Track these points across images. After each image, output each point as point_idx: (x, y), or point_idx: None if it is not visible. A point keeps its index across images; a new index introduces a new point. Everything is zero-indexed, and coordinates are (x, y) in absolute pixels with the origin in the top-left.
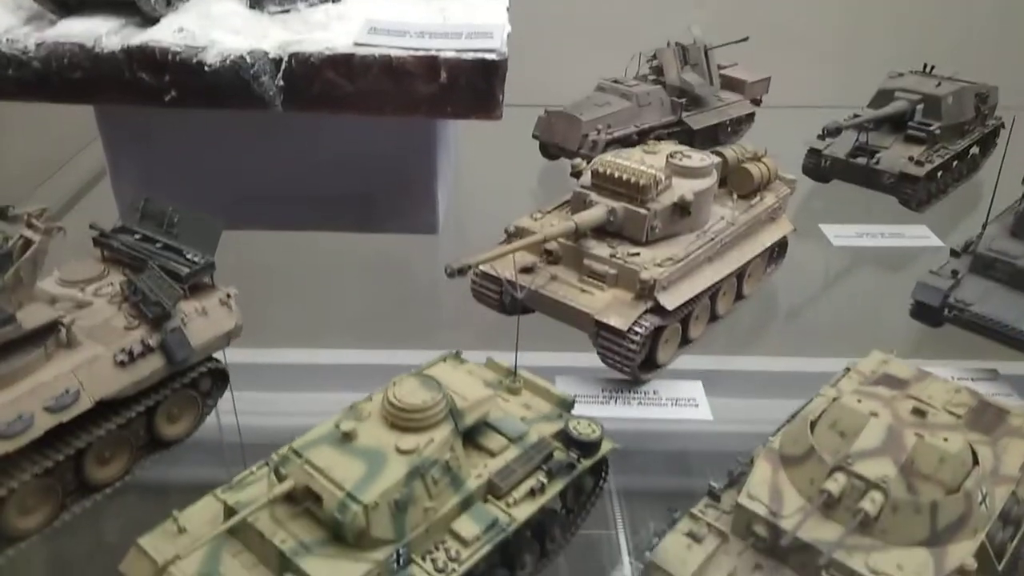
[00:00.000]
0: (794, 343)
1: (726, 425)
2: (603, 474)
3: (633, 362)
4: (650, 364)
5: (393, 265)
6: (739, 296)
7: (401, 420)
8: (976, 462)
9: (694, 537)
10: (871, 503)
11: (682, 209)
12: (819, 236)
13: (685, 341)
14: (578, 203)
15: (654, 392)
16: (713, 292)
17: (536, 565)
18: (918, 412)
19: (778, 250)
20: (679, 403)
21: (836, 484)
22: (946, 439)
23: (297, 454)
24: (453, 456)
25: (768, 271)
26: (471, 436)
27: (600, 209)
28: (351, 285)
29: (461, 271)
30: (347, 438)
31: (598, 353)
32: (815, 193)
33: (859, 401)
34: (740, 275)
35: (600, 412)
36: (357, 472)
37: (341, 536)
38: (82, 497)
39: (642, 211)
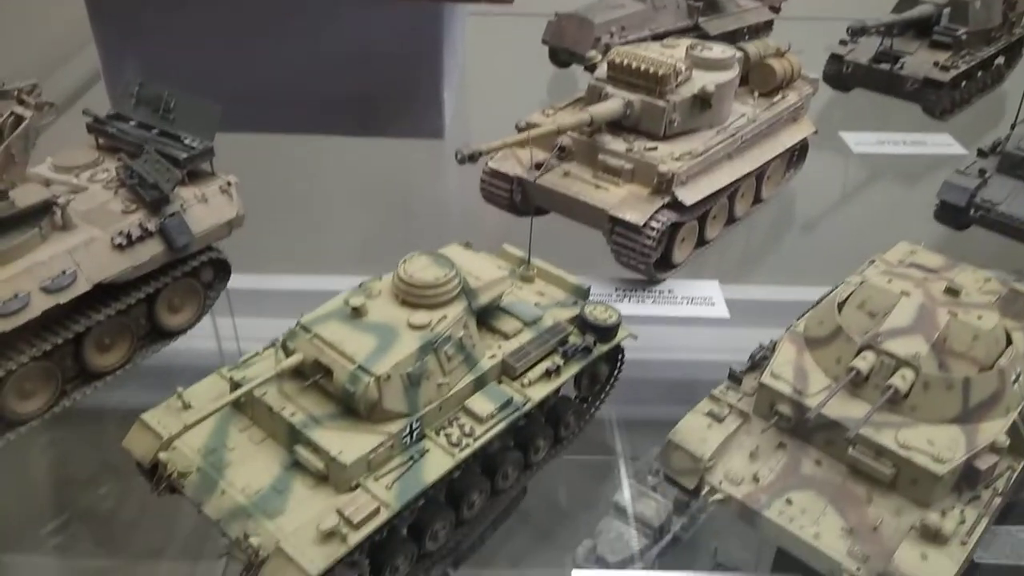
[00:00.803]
0: (812, 250)
1: (743, 324)
2: (619, 363)
3: (648, 259)
4: (665, 264)
5: (398, 171)
6: (757, 199)
7: (412, 296)
8: (1010, 342)
9: (715, 417)
10: (901, 380)
11: (702, 101)
12: (839, 144)
13: (702, 242)
14: (593, 96)
15: (669, 291)
16: (732, 192)
17: (549, 451)
18: (951, 292)
19: (798, 153)
20: (695, 302)
21: (865, 362)
22: (980, 317)
23: (306, 329)
24: (467, 334)
25: (788, 175)
26: (484, 319)
27: (616, 101)
28: (354, 193)
29: (472, 157)
30: (357, 313)
31: (612, 251)
32: (836, 101)
33: (889, 281)
34: (759, 176)
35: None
36: (368, 345)
37: (353, 409)
38: (83, 384)
39: (660, 103)
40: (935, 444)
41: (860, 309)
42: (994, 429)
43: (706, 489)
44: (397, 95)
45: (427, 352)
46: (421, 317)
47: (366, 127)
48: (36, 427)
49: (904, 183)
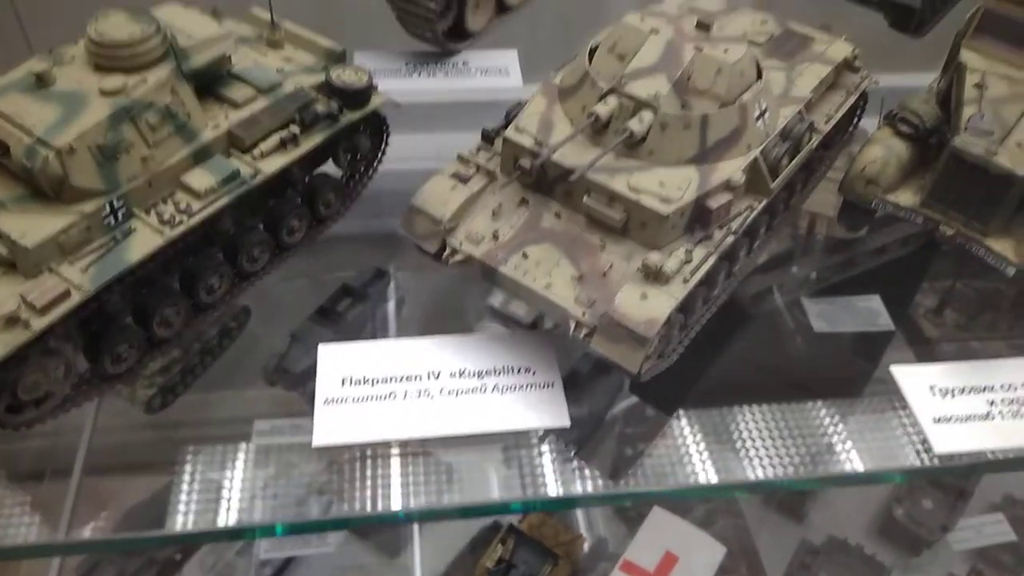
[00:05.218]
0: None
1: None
2: (384, 136)
3: (434, 25)
4: (461, 33)
5: None
6: None
7: (105, 59)
8: (759, 77)
9: (460, 178)
10: (638, 122)
11: None
12: None
13: (503, 9)
14: None
15: (463, 63)
16: None
17: (308, 231)
18: (702, 26)
19: None
20: (488, 72)
21: (606, 107)
22: (726, 50)
23: None
24: (176, 100)
25: None
26: (212, 88)
27: None
28: None
29: None
30: (42, 82)
31: (397, 18)
32: None
33: (642, 20)
34: None
35: (401, 85)
36: (50, 117)
37: (41, 190)
38: None
39: None
40: (666, 185)
41: (611, 52)
42: (731, 167)
43: (447, 252)
44: None
45: (121, 120)
46: (115, 82)
47: None
48: None
49: None
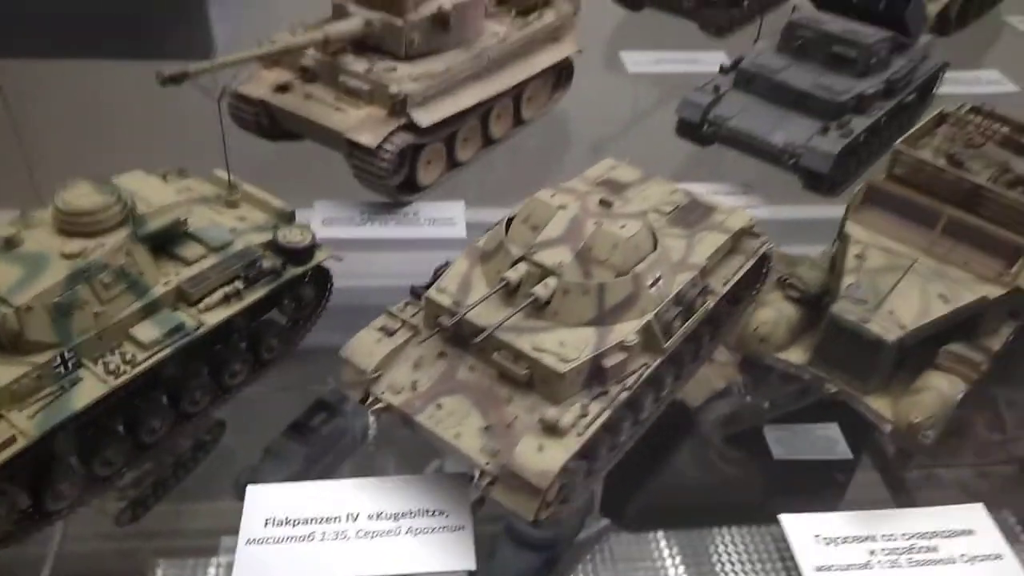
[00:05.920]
0: (573, 167)
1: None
2: (328, 286)
3: (387, 181)
4: (413, 186)
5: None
6: (519, 121)
7: (69, 225)
8: (656, 247)
9: (386, 331)
10: (543, 288)
11: (441, 22)
12: (618, 64)
13: (454, 164)
14: (338, 15)
15: (414, 213)
16: (484, 113)
17: (250, 375)
18: (604, 203)
19: (564, 75)
20: (437, 223)
21: (516, 273)
22: (623, 226)
23: None
24: (131, 262)
25: (554, 96)
26: (167, 247)
27: (355, 20)
28: (126, 120)
29: (175, 79)
30: (9, 245)
31: (354, 175)
32: (629, 20)
33: (552, 196)
34: (518, 98)
35: (356, 233)
36: (12, 277)
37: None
38: None
39: (398, 22)
40: (566, 345)
41: (525, 223)
42: (626, 330)
43: (369, 399)
44: (161, 15)
45: (78, 281)
46: (75, 245)
47: (134, 50)
48: None
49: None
